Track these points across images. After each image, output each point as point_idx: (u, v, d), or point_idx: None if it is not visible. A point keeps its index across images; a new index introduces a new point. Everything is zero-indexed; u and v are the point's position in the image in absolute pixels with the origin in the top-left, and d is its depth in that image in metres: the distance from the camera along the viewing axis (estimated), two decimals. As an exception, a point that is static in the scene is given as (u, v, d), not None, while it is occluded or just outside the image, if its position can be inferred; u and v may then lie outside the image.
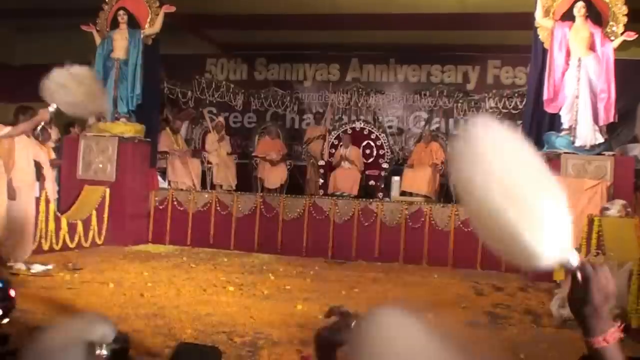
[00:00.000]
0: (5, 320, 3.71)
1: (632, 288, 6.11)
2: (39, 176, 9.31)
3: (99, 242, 11.06)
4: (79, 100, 5.99)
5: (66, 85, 5.99)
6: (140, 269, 8.92)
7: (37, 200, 9.23)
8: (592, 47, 9.98)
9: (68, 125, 12.67)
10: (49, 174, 9.89)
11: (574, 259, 1.65)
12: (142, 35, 11.65)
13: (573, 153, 9.83)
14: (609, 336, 1.62)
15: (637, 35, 10.07)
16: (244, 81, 16.69)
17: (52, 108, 6.43)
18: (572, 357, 4.89)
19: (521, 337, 6.08)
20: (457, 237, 11.09)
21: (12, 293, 3.75)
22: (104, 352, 2.00)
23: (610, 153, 10.00)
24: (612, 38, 10.06)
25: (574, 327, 6.40)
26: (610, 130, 10.55)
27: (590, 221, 8.27)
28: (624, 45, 10.63)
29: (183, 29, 14.78)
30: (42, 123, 7.29)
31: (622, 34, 10.04)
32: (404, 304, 1.49)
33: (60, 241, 10.03)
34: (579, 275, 1.65)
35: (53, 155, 11.05)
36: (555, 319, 6.68)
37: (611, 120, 10.03)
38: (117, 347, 3.71)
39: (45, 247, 9.66)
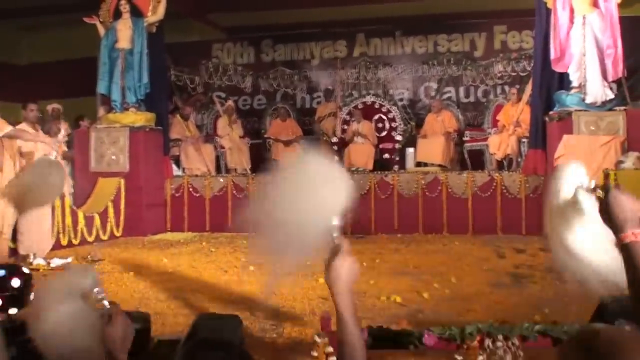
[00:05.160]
0: (13, 311, 3.68)
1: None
2: (52, 171, 9.31)
3: (118, 234, 11.07)
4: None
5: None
6: (161, 257, 8.92)
7: (52, 194, 9.23)
8: (595, 4, 9.87)
9: (77, 118, 12.72)
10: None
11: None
12: (145, 24, 11.62)
13: (585, 110, 9.74)
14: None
15: (640, -11, 9.97)
16: (251, 64, 16.61)
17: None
18: (593, 310, 4.84)
19: (544, 293, 6.04)
20: (476, 203, 11.07)
21: (16, 283, 3.70)
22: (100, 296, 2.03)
23: (622, 108, 9.90)
24: (615, -7, 9.95)
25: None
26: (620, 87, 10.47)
27: (606, 175, 8.21)
28: (629, 2, 10.52)
29: (187, 16, 14.76)
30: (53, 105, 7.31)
31: (625, -12, 9.95)
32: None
33: (79, 235, 10.04)
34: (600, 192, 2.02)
35: (64, 149, 11.07)
36: (578, 275, 6.63)
37: (620, 75, 9.94)
38: (139, 327, 3.72)
39: (64, 242, 9.66)
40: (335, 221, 1.97)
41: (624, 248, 1.86)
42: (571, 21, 9.94)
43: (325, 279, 1.97)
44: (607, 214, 1.94)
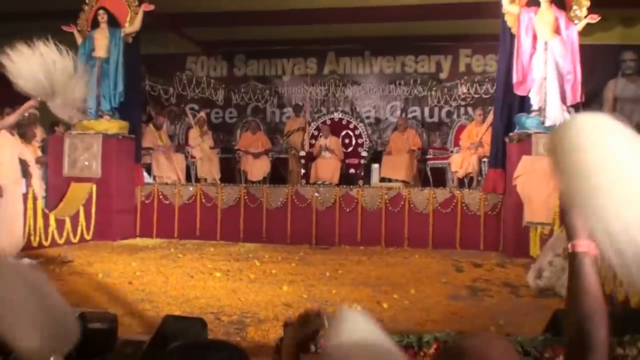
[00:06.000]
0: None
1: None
2: (25, 174, 9.21)
3: (88, 238, 10.96)
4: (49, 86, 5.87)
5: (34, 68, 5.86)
6: (129, 260, 8.86)
7: (25, 196, 9.13)
8: (557, 31, 10.02)
9: (52, 124, 12.60)
10: (36, 171, 9.79)
11: None
12: (122, 34, 11.58)
13: (543, 133, 9.86)
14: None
15: (600, 18, 10.13)
16: (224, 78, 16.62)
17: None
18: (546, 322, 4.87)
19: (500, 306, 6.09)
20: (436, 219, 11.12)
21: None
22: None
23: (579, 131, 10.02)
24: (576, 21, 10.13)
25: (550, 296, 6.44)
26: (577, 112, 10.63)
27: (562, 196, 8.27)
28: (589, 31, 10.72)
29: (163, 29, 14.72)
30: (30, 110, 7.15)
31: (585, 17, 10.11)
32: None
33: (49, 237, 9.94)
34: None
35: (39, 154, 10.96)
36: (533, 289, 6.69)
37: (578, 100, 10.08)
38: (105, 327, 3.67)
39: (35, 243, 9.57)
40: None
41: (571, 256, 1.70)
42: (534, 47, 10.08)
43: None
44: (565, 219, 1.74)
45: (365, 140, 14.38)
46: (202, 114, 14.79)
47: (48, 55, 6.09)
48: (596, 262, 1.65)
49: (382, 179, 13.24)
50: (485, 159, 12.00)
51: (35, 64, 6.04)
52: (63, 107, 6.83)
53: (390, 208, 11.31)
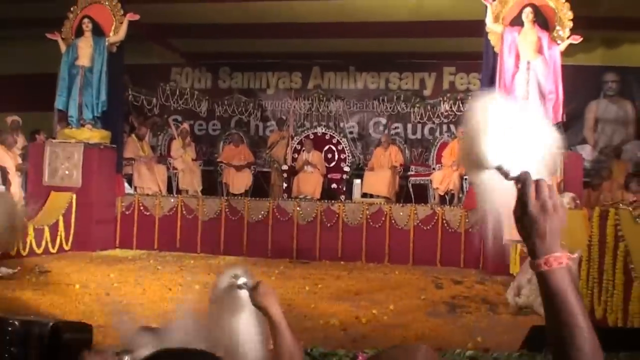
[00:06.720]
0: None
1: (581, 274, 6.14)
2: (4, 181, 9.14)
3: (66, 248, 10.85)
4: None
5: None
6: (107, 272, 8.77)
7: (3, 205, 9.04)
8: (540, 51, 10.10)
9: (33, 132, 12.53)
10: (15, 179, 9.71)
11: (514, 170, 1.53)
12: (106, 43, 11.54)
13: (525, 152, 9.88)
14: (553, 260, 1.45)
15: (582, 39, 10.21)
16: (208, 90, 16.66)
17: None
18: (522, 339, 4.84)
19: (478, 323, 6.08)
20: (417, 235, 11.12)
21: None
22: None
23: (560, 150, 10.05)
24: (559, 42, 10.20)
25: (528, 314, 6.44)
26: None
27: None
28: (572, 52, 10.80)
29: (148, 39, 14.71)
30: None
31: (568, 37, 10.19)
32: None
33: (27, 247, 9.84)
34: (516, 184, 1.53)
35: (19, 161, 10.89)
36: (511, 307, 6.69)
37: (560, 120, 10.14)
38: (80, 337, 3.63)
39: (12, 252, 9.46)
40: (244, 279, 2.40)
41: (538, 276, 1.48)
42: (516, 66, 10.14)
43: (256, 300, 2.33)
44: (523, 222, 1.52)
45: (348, 156, 14.40)
46: (185, 125, 14.77)
47: None
48: (568, 272, 1.46)
49: (364, 195, 13.25)
50: (466, 177, 12.04)
51: None
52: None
53: (371, 224, 11.31)
